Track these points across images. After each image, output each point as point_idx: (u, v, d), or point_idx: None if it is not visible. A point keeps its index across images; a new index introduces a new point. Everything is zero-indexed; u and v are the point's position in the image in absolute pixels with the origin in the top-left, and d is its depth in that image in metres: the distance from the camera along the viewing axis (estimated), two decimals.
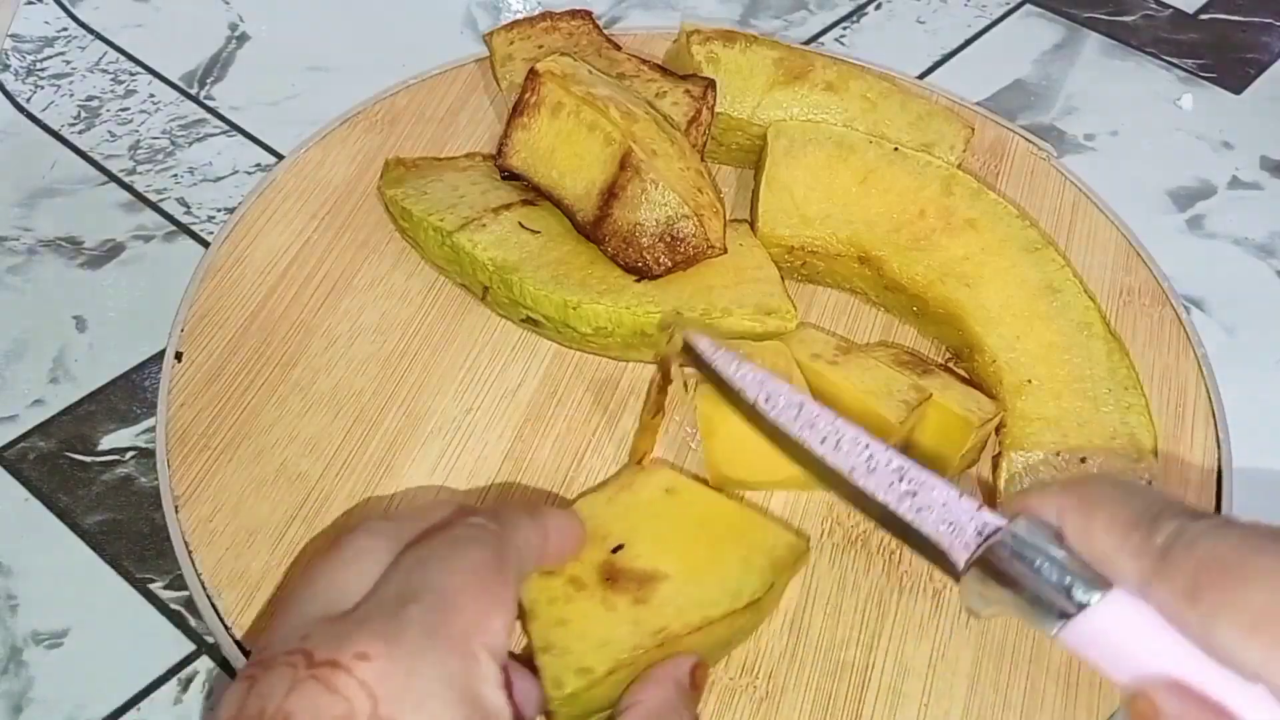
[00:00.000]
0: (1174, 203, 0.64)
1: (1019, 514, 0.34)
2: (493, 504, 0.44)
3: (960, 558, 0.34)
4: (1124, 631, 0.31)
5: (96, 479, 0.51)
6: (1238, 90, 0.71)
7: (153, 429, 0.52)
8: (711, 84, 0.56)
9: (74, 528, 0.49)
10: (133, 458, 0.52)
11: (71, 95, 0.67)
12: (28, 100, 0.67)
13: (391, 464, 0.50)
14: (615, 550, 0.43)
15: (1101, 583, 0.32)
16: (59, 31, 0.71)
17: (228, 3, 0.73)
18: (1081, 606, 0.31)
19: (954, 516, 0.35)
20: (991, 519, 0.34)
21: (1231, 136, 0.68)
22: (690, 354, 0.43)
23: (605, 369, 0.53)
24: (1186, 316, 0.56)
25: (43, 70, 0.68)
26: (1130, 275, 0.58)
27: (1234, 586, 0.28)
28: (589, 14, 0.63)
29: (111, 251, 0.59)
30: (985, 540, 0.34)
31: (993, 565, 0.33)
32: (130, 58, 0.69)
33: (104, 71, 0.68)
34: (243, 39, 0.71)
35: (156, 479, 0.49)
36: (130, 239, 0.60)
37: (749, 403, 0.40)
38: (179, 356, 0.53)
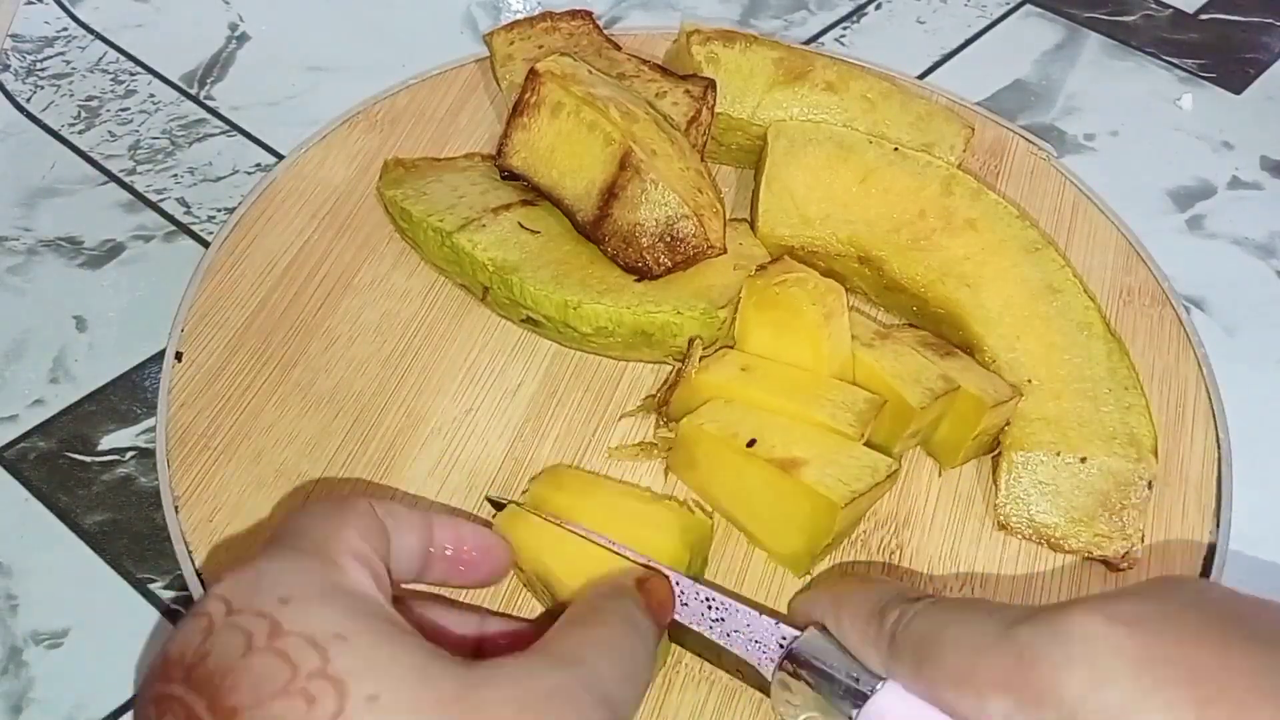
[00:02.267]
0: (1174, 203, 0.64)
1: (808, 624, 0.39)
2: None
3: (768, 670, 0.39)
4: (901, 712, 0.35)
5: (96, 479, 0.51)
6: (1238, 90, 0.71)
7: (153, 429, 0.52)
8: (711, 84, 0.56)
9: (74, 528, 0.49)
10: (133, 458, 0.52)
11: (71, 95, 0.67)
12: (28, 100, 0.67)
13: (391, 464, 0.50)
14: (750, 445, 0.45)
15: (878, 675, 0.36)
16: (59, 31, 0.71)
17: (228, 3, 0.73)
18: (865, 697, 0.36)
19: (758, 635, 0.40)
20: (789, 631, 0.39)
21: (1231, 136, 0.68)
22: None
23: (605, 369, 0.53)
24: (1186, 316, 0.56)
25: (43, 70, 0.68)
26: (1130, 275, 0.58)
27: (937, 657, 0.34)
28: (589, 14, 0.63)
29: (111, 251, 0.59)
30: (785, 649, 0.38)
31: (791, 671, 0.38)
32: (130, 58, 0.69)
33: (104, 71, 0.68)
34: (243, 39, 0.71)
35: (156, 479, 0.49)
36: (130, 239, 0.60)
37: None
38: (179, 356, 0.53)
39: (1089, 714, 0.30)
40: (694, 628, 0.41)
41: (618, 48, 0.61)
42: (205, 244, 0.59)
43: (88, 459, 0.52)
